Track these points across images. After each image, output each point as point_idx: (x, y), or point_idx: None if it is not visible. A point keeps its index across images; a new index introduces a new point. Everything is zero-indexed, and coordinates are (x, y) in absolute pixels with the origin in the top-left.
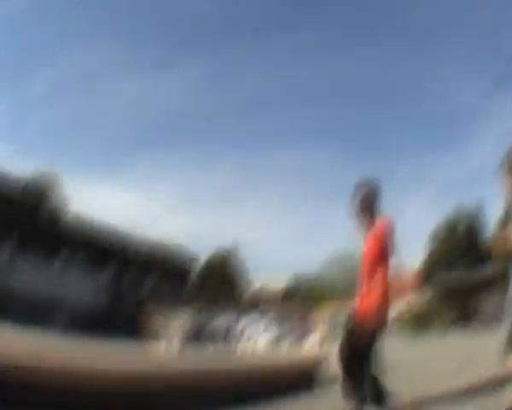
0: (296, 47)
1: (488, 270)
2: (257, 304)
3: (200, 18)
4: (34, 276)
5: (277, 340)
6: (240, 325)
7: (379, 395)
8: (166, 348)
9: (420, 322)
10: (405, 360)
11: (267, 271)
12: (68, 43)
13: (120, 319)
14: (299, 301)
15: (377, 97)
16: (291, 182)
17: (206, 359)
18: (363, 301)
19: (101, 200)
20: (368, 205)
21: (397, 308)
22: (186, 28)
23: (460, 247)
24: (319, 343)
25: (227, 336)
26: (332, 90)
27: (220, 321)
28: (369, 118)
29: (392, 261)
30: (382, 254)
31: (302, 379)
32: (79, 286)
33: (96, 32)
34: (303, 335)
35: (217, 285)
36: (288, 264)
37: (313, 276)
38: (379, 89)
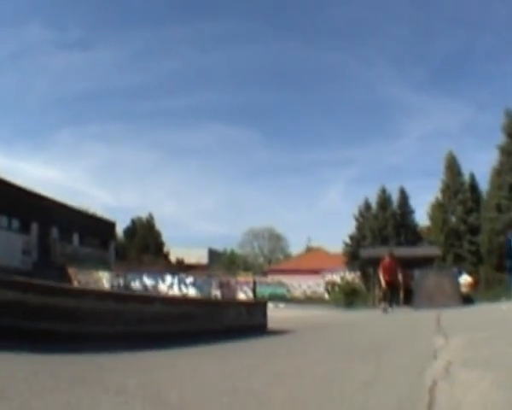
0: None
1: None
2: (178, 270)
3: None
4: None
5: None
6: (163, 285)
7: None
8: None
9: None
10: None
11: (183, 245)
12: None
13: (51, 268)
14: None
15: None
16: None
17: None
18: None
19: (27, 174)
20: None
21: None
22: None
23: (392, 223)
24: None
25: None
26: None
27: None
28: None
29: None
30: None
31: None
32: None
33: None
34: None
35: (138, 252)
36: (202, 239)
37: (228, 252)
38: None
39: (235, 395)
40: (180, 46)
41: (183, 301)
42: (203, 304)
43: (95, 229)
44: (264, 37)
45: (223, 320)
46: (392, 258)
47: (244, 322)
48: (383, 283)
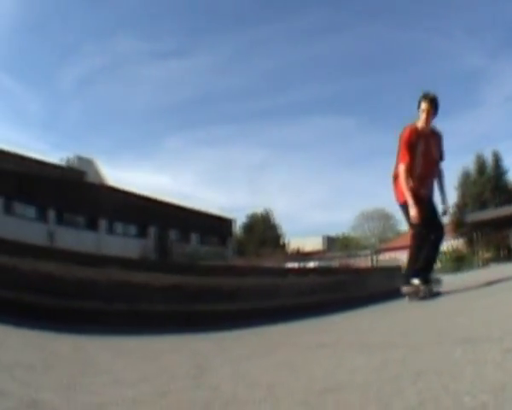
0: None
1: None
2: (296, 258)
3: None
4: (79, 241)
5: None
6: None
7: None
8: None
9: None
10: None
11: (297, 235)
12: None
13: None
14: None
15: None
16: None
17: None
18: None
19: (136, 182)
20: (437, 108)
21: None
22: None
23: (489, 187)
24: None
25: None
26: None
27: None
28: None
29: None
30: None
31: None
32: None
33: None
34: None
35: (256, 246)
36: (316, 228)
37: (343, 236)
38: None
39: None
40: (272, 44)
41: (336, 270)
42: (352, 272)
43: (212, 227)
44: (349, 25)
45: (367, 287)
46: None
47: (384, 287)
48: None
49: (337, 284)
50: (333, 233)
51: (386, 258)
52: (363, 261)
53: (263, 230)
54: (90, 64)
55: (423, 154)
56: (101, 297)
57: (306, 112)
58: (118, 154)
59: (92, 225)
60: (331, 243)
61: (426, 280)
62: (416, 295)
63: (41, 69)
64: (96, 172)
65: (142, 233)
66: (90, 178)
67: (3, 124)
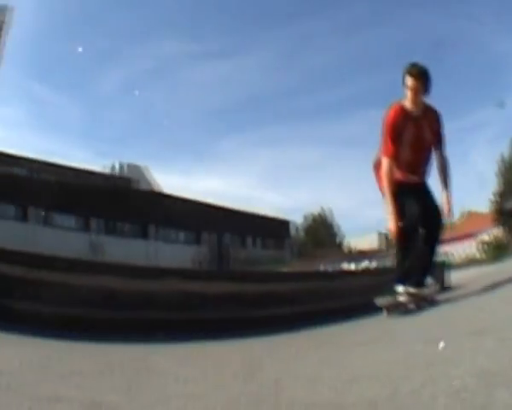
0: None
1: None
2: (351, 257)
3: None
4: (127, 251)
5: None
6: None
7: None
8: None
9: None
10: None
11: (355, 233)
12: (137, 38)
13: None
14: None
15: None
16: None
17: None
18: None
19: (191, 186)
20: (428, 84)
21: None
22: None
23: None
24: None
25: None
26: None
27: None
28: None
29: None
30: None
31: None
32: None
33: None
34: None
35: (313, 246)
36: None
37: None
38: None
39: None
40: (321, 38)
41: (381, 270)
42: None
43: (269, 230)
44: (392, 15)
45: None
46: None
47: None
48: None
49: (384, 284)
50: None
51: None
52: None
53: (319, 230)
54: (132, 68)
55: (413, 140)
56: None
57: (359, 106)
58: (169, 159)
59: (142, 234)
60: (386, 240)
61: (418, 284)
62: (395, 307)
63: (78, 76)
64: (146, 179)
65: (196, 239)
66: (140, 185)
67: (42, 135)
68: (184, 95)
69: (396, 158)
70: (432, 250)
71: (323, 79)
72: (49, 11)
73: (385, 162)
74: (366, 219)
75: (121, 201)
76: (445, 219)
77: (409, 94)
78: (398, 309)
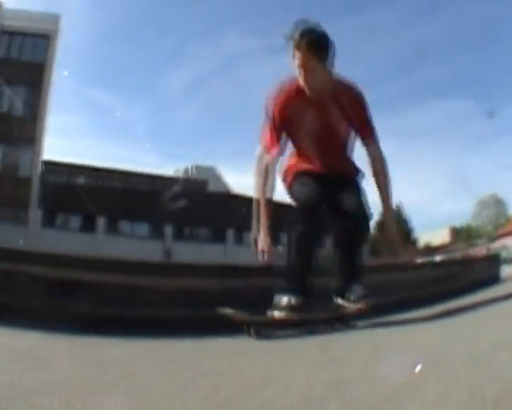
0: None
1: None
2: (424, 253)
3: None
4: (202, 256)
5: None
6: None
7: None
8: None
9: None
10: None
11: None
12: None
13: None
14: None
15: None
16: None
17: None
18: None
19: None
20: (324, 52)
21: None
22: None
23: None
24: None
25: None
26: None
27: None
28: None
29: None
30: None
31: None
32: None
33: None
34: None
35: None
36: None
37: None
38: None
39: None
40: (385, 27)
41: (448, 262)
42: (459, 263)
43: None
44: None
45: (469, 276)
46: None
47: (485, 275)
48: None
49: (448, 276)
50: (458, 223)
51: (497, 245)
52: (479, 250)
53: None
54: (198, 67)
55: (313, 127)
56: None
57: (425, 97)
58: (241, 159)
59: (218, 238)
60: (457, 234)
61: (338, 294)
62: (267, 324)
63: (140, 79)
64: (218, 180)
65: (275, 240)
66: (212, 187)
67: (108, 142)
68: (252, 90)
69: (279, 153)
70: (350, 252)
71: (386, 69)
72: (114, 15)
73: (258, 151)
74: (438, 212)
75: (195, 204)
76: (393, 248)
77: (299, 72)
78: (280, 325)
